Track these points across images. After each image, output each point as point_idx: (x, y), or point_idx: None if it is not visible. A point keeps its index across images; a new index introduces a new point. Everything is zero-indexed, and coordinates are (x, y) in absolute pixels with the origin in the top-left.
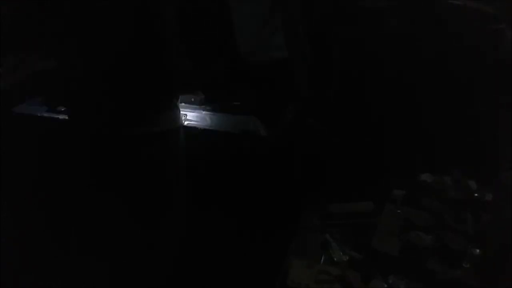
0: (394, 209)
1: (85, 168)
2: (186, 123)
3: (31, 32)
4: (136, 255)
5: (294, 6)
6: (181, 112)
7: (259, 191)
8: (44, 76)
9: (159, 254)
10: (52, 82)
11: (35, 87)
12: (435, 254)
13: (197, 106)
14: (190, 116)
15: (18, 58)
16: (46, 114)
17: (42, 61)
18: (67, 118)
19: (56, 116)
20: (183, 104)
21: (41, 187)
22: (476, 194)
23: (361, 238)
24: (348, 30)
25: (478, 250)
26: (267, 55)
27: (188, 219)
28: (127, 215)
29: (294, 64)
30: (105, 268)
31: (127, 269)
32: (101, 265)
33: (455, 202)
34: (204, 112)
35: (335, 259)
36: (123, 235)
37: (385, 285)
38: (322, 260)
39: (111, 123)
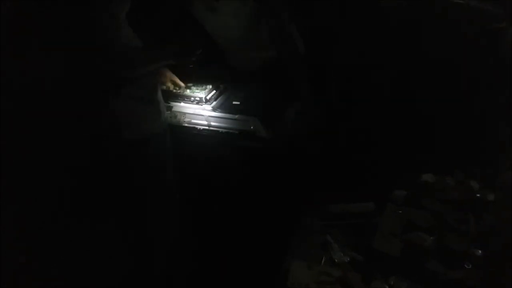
0: (395, 210)
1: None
2: (186, 123)
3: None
4: (132, 253)
5: (280, 7)
6: (181, 112)
7: (259, 192)
8: None
9: (152, 252)
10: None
11: None
12: (437, 255)
13: (197, 106)
14: (190, 116)
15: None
16: None
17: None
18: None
19: None
20: (182, 104)
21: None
22: (478, 195)
23: (362, 238)
24: (348, 29)
25: (480, 251)
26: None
27: (187, 220)
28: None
29: (288, 64)
30: (99, 266)
31: (120, 268)
32: (94, 263)
33: (457, 203)
34: (204, 112)
35: (336, 260)
36: (116, 235)
37: (386, 286)
38: (323, 261)
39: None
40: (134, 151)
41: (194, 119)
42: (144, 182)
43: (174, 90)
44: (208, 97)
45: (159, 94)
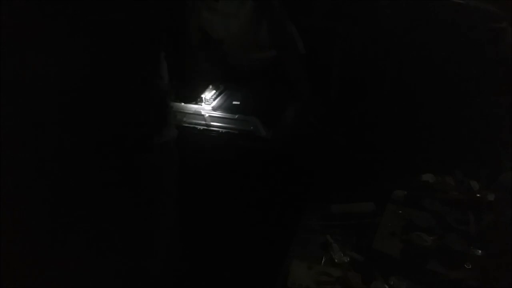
0: (395, 210)
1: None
2: (186, 123)
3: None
4: (133, 256)
5: (280, 7)
6: (181, 112)
7: (259, 192)
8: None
9: (155, 255)
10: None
11: None
12: (437, 255)
13: (197, 106)
14: (190, 116)
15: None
16: None
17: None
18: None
19: None
20: (182, 104)
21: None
22: (478, 195)
23: (362, 239)
24: (348, 28)
25: (480, 251)
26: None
27: (187, 220)
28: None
29: (288, 64)
30: (102, 269)
31: (123, 270)
32: (97, 265)
33: (457, 203)
34: (203, 112)
35: (336, 260)
36: (120, 236)
37: (386, 286)
38: (322, 261)
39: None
40: (159, 153)
41: (194, 119)
42: (160, 183)
43: None
44: (208, 97)
45: None
